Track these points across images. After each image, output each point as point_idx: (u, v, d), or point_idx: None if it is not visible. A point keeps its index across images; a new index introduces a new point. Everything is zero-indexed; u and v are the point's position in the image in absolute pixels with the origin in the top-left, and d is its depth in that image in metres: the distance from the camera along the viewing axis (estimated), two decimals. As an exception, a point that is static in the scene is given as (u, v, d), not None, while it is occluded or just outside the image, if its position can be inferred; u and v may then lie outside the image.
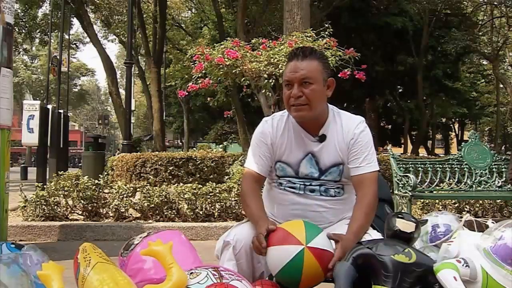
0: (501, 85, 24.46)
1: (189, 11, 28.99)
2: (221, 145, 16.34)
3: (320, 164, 1.83)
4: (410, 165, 4.64)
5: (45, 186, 5.09)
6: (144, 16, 20.16)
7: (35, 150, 15.43)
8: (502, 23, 22.36)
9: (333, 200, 1.84)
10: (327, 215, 1.85)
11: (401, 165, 4.57)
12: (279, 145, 1.86)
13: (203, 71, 6.61)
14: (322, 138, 1.83)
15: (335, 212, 1.84)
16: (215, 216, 4.92)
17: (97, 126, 45.77)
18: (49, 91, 15.15)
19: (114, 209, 4.86)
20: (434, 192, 4.76)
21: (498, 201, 5.45)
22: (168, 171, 7.76)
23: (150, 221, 4.85)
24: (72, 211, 4.97)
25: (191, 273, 1.43)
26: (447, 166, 4.71)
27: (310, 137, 1.84)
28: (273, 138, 1.86)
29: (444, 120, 30.75)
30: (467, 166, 4.72)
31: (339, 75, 6.37)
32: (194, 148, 21.90)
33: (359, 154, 1.80)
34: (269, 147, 1.86)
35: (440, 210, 4.67)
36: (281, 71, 6.13)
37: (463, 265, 1.46)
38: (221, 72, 6.48)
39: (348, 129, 1.83)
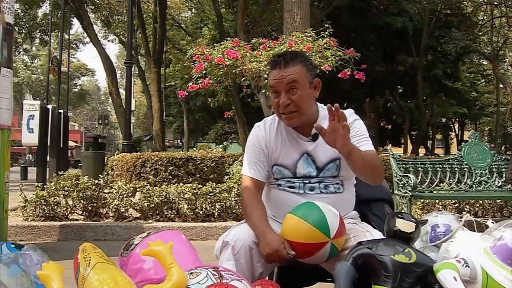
0: (501, 85, 24.46)
1: (189, 11, 29.00)
2: (221, 145, 16.37)
3: (317, 163, 1.84)
4: (410, 165, 4.64)
5: (45, 186, 5.09)
6: (144, 16, 20.17)
7: (35, 150, 15.39)
8: (502, 23, 22.36)
9: (333, 197, 1.84)
10: None
11: (401, 165, 4.57)
12: (273, 149, 1.86)
13: (203, 71, 6.62)
14: (315, 137, 1.83)
15: (336, 209, 1.84)
16: (215, 216, 4.92)
17: (97, 126, 45.77)
18: (49, 91, 15.16)
19: (114, 209, 4.87)
20: (434, 192, 4.77)
21: (498, 201, 5.45)
22: (168, 171, 7.77)
23: (150, 221, 4.85)
24: (72, 211, 4.97)
25: (191, 273, 1.43)
26: (447, 166, 4.72)
27: (303, 137, 1.85)
28: (267, 143, 1.87)
29: (444, 120, 30.77)
30: (467, 166, 4.72)
31: (339, 75, 6.37)
32: (194, 148, 21.91)
33: (356, 137, 1.81)
34: (264, 152, 1.86)
35: (440, 210, 4.68)
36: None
37: (463, 265, 1.46)
38: (221, 72, 6.48)
39: None
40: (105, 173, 7.34)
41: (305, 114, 1.80)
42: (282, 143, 1.86)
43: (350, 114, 1.87)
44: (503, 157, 4.84)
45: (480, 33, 21.78)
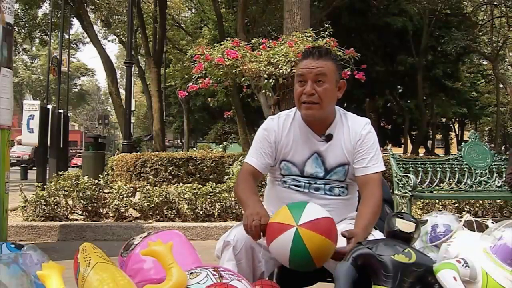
0: (501, 85, 24.44)
1: (189, 11, 29.01)
2: (221, 145, 16.35)
3: (326, 164, 1.83)
4: (410, 165, 4.64)
5: (45, 186, 5.09)
6: (144, 16, 20.16)
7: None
8: (502, 23, 22.35)
9: (337, 200, 1.85)
10: (331, 214, 1.84)
11: (401, 165, 4.57)
12: (284, 145, 1.85)
13: (203, 71, 6.62)
14: (329, 138, 1.83)
15: (338, 211, 1.84)
16: (215, 216, 4.92)
17: (97, 126, 45.78)
18: (49, 91, 15.12)
19: (114, 209, 4.86)
20: (434, 192, 4.77)
21: (498, 201, 5.44)
22: (168, 171, 7.76)
23: (150, 221, 4.85)
24: (72, 211, 4.97)
25: (191, 273, 1.43)
26: (447, 166, 4.71)
27: (317, 136, 1.84)
28: (277, 137, 1.86)
29: (444, 120, 30.78)
30: (467, 166, 4.72)
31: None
32: (194, 148, 21.91)
33: (365, 154, 1.81)
34: (271, 145, 1.86)
35: (440, 210, 4.67)
36: (281, 71, 6.14)
37: (463, 265, 1.46)
38: (221, 72, 6.49)
39: (355, 130, 1.84)
40: (105, 173, 7.34)
41: (325, 110, 1.80)
42: (294, 139, 1.85)
43: (365, 124, 1.87)
44: (503, 157, 4.83)
45: (480, 33, 21.77)
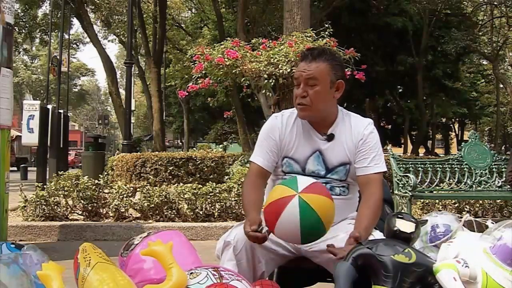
0: (501, 85, 24.43)
1: (189, 11, 29.01)
2: (221, 145, 16.37)
3: (327, 163, 1.84)
4: (410, 165, 4.64)
5: (45, 186, 5.09)
6: (144, 16, 20.17)
7: (34, 150, 15.32)
8: (502, 23, 22.34)
9: (337, 199, 1.84)
10: None
11: (401, 165, 4.57)
12: (287, 141, 1.87)
13: (203, 71, 6.62)
14: (331, 137, 1.84)
15: (339, 211, 1.83)
16: (215, 216, 4.92)
17: (97, 126, 45.77)
18: (49, 91, 15.13)
19: (114, 209, 4.86)
20: (434, 192, 4.77)
21: (498, 201, 5.44)
22: (168, 171, 7.77)
23: (150, 221, 4.85)
24: (72, 211, 4.97)
25: (191, 273, 1.43)
26: (447, 166, 4.71)
27: (319, 135, 1.85)
28: (281, 134, 1.87)
29: (444, 120, 30.78)
30: (467, 166, 4.72)
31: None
32: (194, 148, 21.91)
33: (367, 154, 1.82)
34: (276, 142, 1.87)
35: (440, 210, 4.67)
36: (281, 71, 6.14)
37: (462, 265, 1.46)
38: (221, 72, 6.49)
39: (357, 130, 1.85)
40: (105, 173, 7.34)
41: (318, 111, 1.81)
42: (297, 136, 1.87)
43: (368, 124, 1.88)
44: (503, 157, 4.83)
45: (480, 33, 21.75)
